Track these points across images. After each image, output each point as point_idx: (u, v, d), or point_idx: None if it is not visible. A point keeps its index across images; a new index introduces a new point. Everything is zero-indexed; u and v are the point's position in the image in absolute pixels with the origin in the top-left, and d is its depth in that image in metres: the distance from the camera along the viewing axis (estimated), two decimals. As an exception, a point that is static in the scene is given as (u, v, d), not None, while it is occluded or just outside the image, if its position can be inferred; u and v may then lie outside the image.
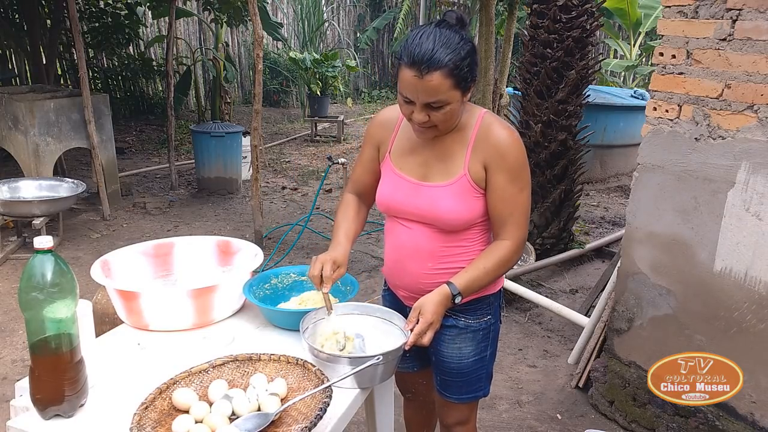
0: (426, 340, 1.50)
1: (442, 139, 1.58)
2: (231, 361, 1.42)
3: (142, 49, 10.00)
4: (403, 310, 1.71)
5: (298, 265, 1.92)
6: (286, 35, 11.30)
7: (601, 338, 2.95)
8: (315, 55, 9.89)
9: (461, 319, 1.70)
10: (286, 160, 7.86)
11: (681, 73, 2.33)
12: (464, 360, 1.72)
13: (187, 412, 1.27)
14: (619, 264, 2.78)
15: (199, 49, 10.34)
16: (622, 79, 10.10)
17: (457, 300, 1.54)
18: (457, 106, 1.48)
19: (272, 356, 1.43)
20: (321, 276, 1.56)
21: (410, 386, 2.03)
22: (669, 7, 2.34)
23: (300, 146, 8.78)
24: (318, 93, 9.34)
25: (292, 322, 1.58)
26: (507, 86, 7.38)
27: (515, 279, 3.93)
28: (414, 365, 1.91)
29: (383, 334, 1.58)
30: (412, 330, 1.50)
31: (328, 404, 1.25)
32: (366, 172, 1.76)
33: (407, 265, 1.67)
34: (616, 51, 10.53)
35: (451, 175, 1.57)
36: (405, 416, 2.17)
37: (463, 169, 1.56)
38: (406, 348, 1.48)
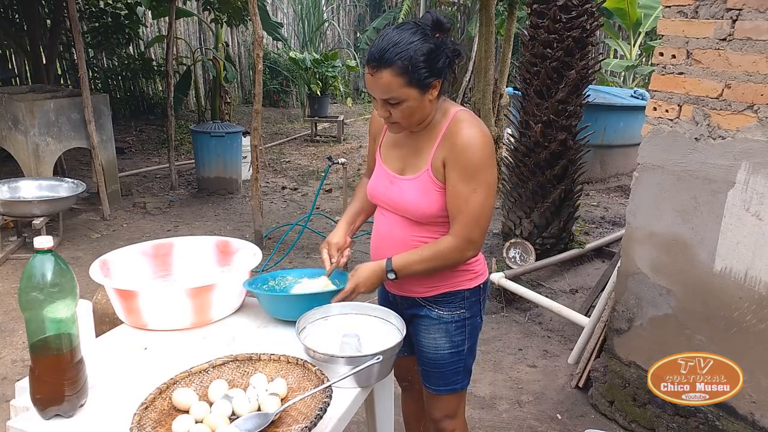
0: (351, 298, 1.68)
1: (417, 135, 1.66)
2: (231, 361, 1.42)
3: (142, 49, 10.00)
4: (387, 297, 1.85)
5: (298, 268, 1.94)
6: (286, 35, 11.30)
7: (601, 338, 2.95)
8: (315, 55, 9.89)
9: (434, 311, 1.76)
10: (286, 160, 7.86)
11: (681, 73, 2.33)
12: (440, 351, 1.78)
13: (187, 412, 1.27)
14: (619, 264, 2.78)
15: (199, 49, 10.35)
16: (622, 79, 10.10)
17: (391, 276, 1.65)
18: (416, 103, 1.54)
19: (272, 356, 1.43)
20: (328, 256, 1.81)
21: (405, 373, 2.05)
22: (669, 7, 2.34)
23: (300, 146, 8.78)
24: (318, 93, 9.34)
25: (293, 312, 1.59)
26: (507, 86, 7.38)
27: (515, 279, 3.93)
28: (404, 349, 1.92)
29: (380, 333, 1.59)
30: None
31: (328, 404, 1.25)
32: (373, 161, 1.87)
33: (384, 251, 1.74)
34: (616, 51, 10.53)
35: (418, 170, 1.65)
36: (403, 411, 2.19)
37: (427, 164, 1.63)
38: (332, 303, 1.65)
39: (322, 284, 1.77)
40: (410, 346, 1.90)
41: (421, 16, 9.32)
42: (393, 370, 1.97)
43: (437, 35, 1.52)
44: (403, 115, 1.55)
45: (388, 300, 1.85)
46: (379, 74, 1.48)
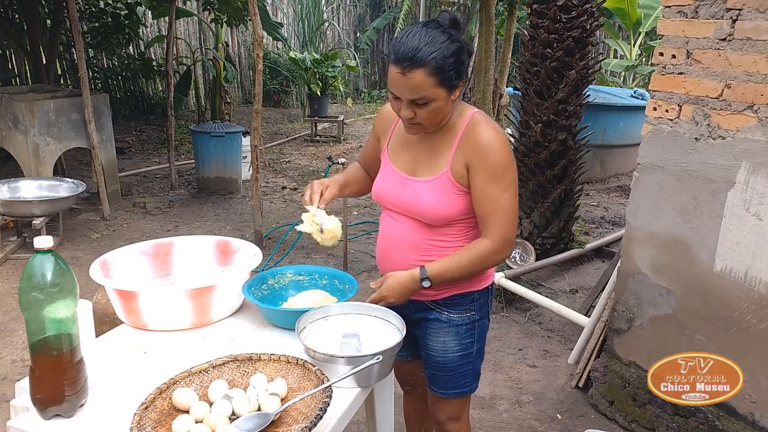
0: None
1: (432, 136, 1.64)
2: (231, 361, 1.42)
3: (142, 49, 10.00)
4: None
5: (296, 264, 1.93)
6: (286, 35, 11.30)
7: (601, 338, 2.95)
8: (315, 55, 9.89)
9: (444, 313, 1.74)
10: (286, 160, 7.86)
11: (681, 73, 2.33)
12: (449, 354, 1.76)
13: (187, 412, 1.27)
14: (619, 264, 2.78)
15: (199, 49, 10.35)
16: (622, 79, 10.10)
17: (425, 284, 1.59)
18: (443, 104, 1.52)
19: (272, 356, 1.43)
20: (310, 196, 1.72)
21: (408, 377, 2.04)
22: (669, 7, 2.34)
23: (300, 146, 8.78)
24: (318, 93, 9.34)
25: (293, 322, 1.59)
26: (507, 86, 7.39)
27: (515, 279, 3.93)
28: (408, 354, 1.92)
29: (380, 333, 1.59)
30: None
31: (328, 404, 1.25)
32: (370, 158, 1.88)
33: (393, 255, 1.72)
34: (616, 51, 10.53)
35: (435, 172, 1.62)
36: (405, 412, 2.18)
37: (446, 166, 1.60)
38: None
39: (320, 298, 1.76)
40: (414, 351, 1.88)
41: (421, 16, 9.29)
42: (395, 373, 1.96)
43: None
44: (428, 116, 1.53)
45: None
46: (412, 74, 1.45)
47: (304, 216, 1.71)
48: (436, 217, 1.62)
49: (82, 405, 1.32)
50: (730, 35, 2.15)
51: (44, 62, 7.19)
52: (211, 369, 1.40)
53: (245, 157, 6.25)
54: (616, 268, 2.86)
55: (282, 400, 1.32)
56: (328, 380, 1.32)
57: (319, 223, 1.69)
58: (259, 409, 1.29)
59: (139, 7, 8.64)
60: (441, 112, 1.54)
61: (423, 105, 1.50)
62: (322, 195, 1.73)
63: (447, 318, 1.74)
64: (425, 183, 1.63)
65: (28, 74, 7.85)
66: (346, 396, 1.43)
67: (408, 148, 1.69)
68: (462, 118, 1.62)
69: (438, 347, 1.76)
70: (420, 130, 1.60)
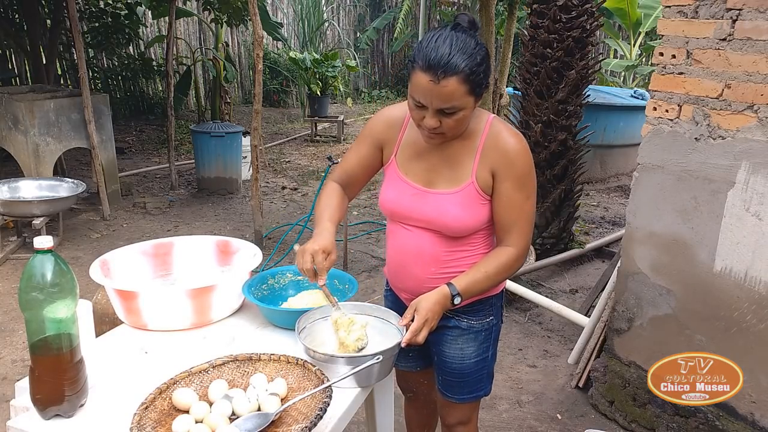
0: (420, 338, 1.48)
1: (450, 145, 1.56)
2: (231, 361, 1.42)
3: (142, 49, 10.00)
4: (405, 310, 1.69)
5: (295, 264, 1.91)
6: (286, 35, 11.29)
7: (601, 338, 2.95)
8: (315, 55, 9.88)
9: (464, 320, 1.70)
10: (286, 160, 7.86)
11: (681, 73, 2.33)
12: (466, 360, 1.72)
13: (187, 412, 1.27)
14: (619, 264, 2.78)
15: (199, 49, 10.35)
16: (622, 79, 10.10)
17: (457, 301, 1.53)
18: (469, 112, 1.46)
19: (272, 356, 1.43)
20: (313, 268, 1.50)
21: (412, 385, 2.03)
22: (669, 7, 2.34)
23: (300, 146, 8.78)
24: (318, 93, 9.33)
25: (293, 322, 1.59)
26: (507, 86, 7.38)
27: (515, 279, 3.93)
28: (417, 364, 1.91)
29: (380, 333, 1.59)
30: (407, 327, 1.49)
31: (328, 404, 1.25)
32: (360, 167, 1.72)
33: (411, 269, 1.66)
34: (616, 51, 10.53)
35: (459, 182, 1.56)
36: (406, 416, 2.17)
37: (471, 176, 1.54)
38: (403, 346, 1.47)
39: (320, 298, 1.73)
40: (424, 360, 1.87)
41: (421, 16, 9.20)
42: (397, 382, 1.95)
43: None
44: (455, 125, 1.45)
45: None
46: (446, 81, 1.36)
47: (331, 317, 1.56)
48: (461, 228, 1.57)
49: (82, 405, 1.32)
50: (730, 35, 2.15)
51: (44, 62, 7.19)
52: (211, 369, 1.40)
53: (245, 157, 6.25)
54: (616, 268, 2.86)
55: (282, 400, 1.32)
56: (328, 380, 1.32)
57: (359, 344, 1.51)
58: (259, 409, 1.29)
59: (139, 7, 8.63)
60: (466, 120, 1.48)
61: (451, 114, 1.42)
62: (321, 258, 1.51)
63: (468, 325, 1.70)
64: (449, 195, 1.56)
65: (28, 74, 7.84)
66: (346, 396, 1.43)
67: (420, 159, 1.60)
68: (480, 123, 1.56)
69: (455, 354, 1.72)
70: (442, 139, 1.51)
